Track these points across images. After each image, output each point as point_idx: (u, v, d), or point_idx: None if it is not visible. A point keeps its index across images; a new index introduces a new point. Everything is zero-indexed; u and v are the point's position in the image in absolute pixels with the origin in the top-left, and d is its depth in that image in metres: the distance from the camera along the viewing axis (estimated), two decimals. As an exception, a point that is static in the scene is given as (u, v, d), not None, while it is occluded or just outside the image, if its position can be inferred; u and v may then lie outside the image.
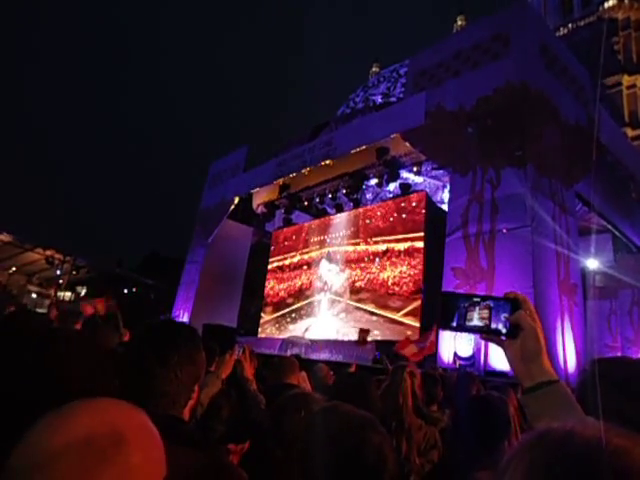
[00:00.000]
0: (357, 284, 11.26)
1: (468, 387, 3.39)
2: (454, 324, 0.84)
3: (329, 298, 11.87)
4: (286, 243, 14.01)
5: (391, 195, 12.43)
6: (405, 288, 10.09)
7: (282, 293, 13.39)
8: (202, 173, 15.43)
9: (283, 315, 12.94)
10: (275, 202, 12.92)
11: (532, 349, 0.79)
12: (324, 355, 9.53)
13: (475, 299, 0.85)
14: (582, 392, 0.95)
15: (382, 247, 11.02)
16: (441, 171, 10.20)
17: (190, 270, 13.65)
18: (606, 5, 30.06)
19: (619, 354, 9.84)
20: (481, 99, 7.75)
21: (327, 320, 11.63)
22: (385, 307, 10.29)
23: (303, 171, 11.03)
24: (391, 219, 11.09)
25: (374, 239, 11.30)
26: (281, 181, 11.96)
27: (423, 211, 10.45)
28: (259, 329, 13.49)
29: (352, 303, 11.14)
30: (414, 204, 10.74)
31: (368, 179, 11.17)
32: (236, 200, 12.95)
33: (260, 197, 13.13)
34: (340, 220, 12.52)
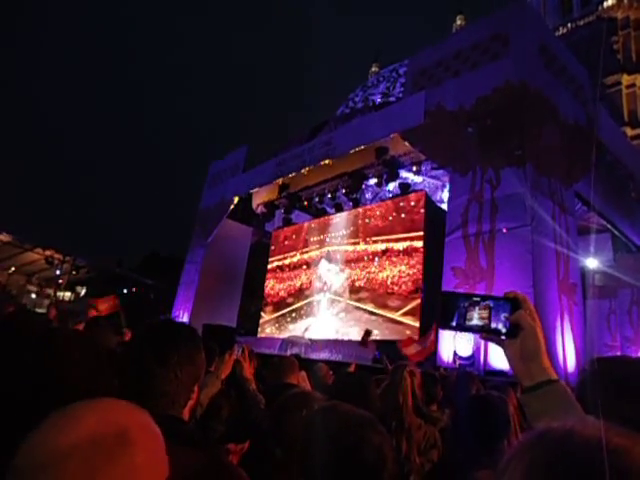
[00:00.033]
0: (357, 284, 11.27)
1: (468, 386, 3.39)
2: (454, 323, 0.84)
3: (329, 298, 11.87)
4: (286, 243, 14.01)
5: (390, 195, 12.43)
6: (404, 287, 10.10)
7: (282, 293, 13.39)
8: (202, 173, 15.44)
9: (283, 315, 12.95)
10: (275, 202, 12.92)
11: (532, 348, 0.79)
12: (324, 355, 9.53)
13: (475, 299, 0.85)
14: (582, 391, 0.95)
15: (381, 247, 11.02)
16: (441, 171, 10.19)
17: (190, 270, 13.64)
18: (605, 4, 30.08)
19: (618, 353, 9.84)
20: (480, 99, 7.75)
21: (327, 320, 11.64)
22: (384, 307, 10.30)
23: (302, 171, 11.02)
24: (390, 218, 11.09)
25: (373, 238, 11.31)
26: (280, 181, 11.96)
27: (422, 210, 10.45)
28: (259, 329, 13.49)
29: (352, 303, 11.14)
30: (413, 204, 10.74)
31: (367, 179, 11.16)
32: (236, 200, 12.94)
33: (260, 197, 13.13)
34: (339, 220, 12.52)
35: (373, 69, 38.81)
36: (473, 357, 6.70)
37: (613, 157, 9.34)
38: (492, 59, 7.99)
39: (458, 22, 38.64)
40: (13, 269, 19.17)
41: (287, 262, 13.69)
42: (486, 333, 0.84)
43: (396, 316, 9.95)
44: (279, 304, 13.26)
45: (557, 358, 6.42)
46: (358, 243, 11.66)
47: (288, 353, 8.91)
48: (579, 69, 9.25)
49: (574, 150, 7.73)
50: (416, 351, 6.06)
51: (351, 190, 11.28)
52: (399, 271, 10.34)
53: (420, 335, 8.34)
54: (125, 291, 23.27)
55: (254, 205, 13.38)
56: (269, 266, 14.24)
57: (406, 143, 9.08)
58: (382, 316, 10.24)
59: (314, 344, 10.44)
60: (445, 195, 10.80)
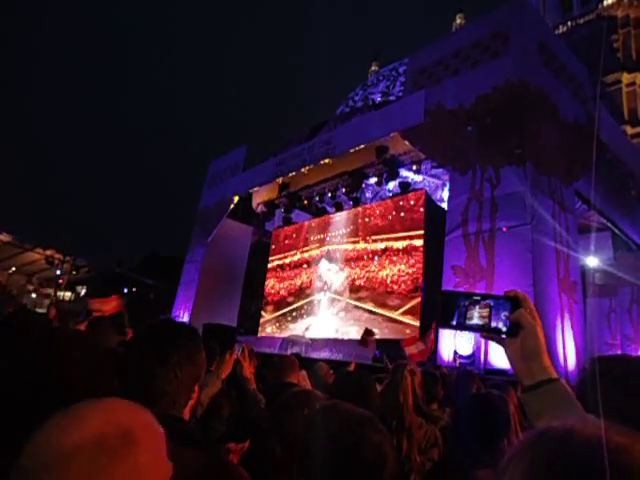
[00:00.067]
0: (357, 282, 11.27)
1: (468, 385, 3.40)
2: (454, 322, 0.84)
3: (329, 297, 11.87)
4: (286, 242, 14.01)
5: (391, 194, 12.43)
6: (403, 286, 10.10)
7: (283, 292, 13.40)
8: (201, 173, 15.44)
9: (284, 314, 12.95)
10: (275, 201, 12.91)
11: (532, 347, 0.79)
12: (324, 354, 9.53)
13: (475, 297, 0.85)
14: (582, 390, 0.95)
15: (381, 245, 11.03)
16: (441, 170, 10.19)
17: (190, 270, 13.64)
18: (605, 3, 30.05)
19: (619, 352, 9.86)
20: (480, 97, 7.74)
21: (327, 319, 11.64)
22: (384, 306, 10.30)
23: (302, 170, 11.02)
24: (390, 217, 11.09)
25: (373, 237, 11.31)
26: (280, 180, 11.96)
27: (421, 209, 10.45)
28: (259, 328, 13.49)
29: (352, 302, 11.15)
30: (413, 202, 10.74)
31: (367, 178, 11.16)
32: (235, 199, 12.94)
33: (260, 196, 13.12)
34: (340, 219, 12.52)
35: (373, 68, 38.78)
36: (473, 356, 6.71)
37: (613, 155, 9.33)
38: (492, 58, 7.99)
39: (458, 21, 38.61)
40: (13, 269, 19.18)
41: (287, 261, 13.69)
42: (486, 332, 0.84)
43: (396, 315, 9.96)
44: (279, 303, 13.27)
45: (557, 357, 6.42)
46: (358, 242, 11.67)
47: (288, 352, 8.91)
48: (579, 67, 9.24)
49: (574, 149, 7.72)
50: (418, 351, 6.06)
51: (351, 189, 11.27)
52: (399, 270, 10.34)
53: (420, 334, 8.35)
54: (125, 291, 23.27)
55: (254, 204, 13.37)
56: (269, 265, 14.24)
57: (406, 142, 9.07)
58: (382, 315, 10.24)
59: (314, 343, 10.45)
60: (445, 194, 10.80)
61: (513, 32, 7.92)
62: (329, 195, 11.91)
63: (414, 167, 10.17)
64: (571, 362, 6.67)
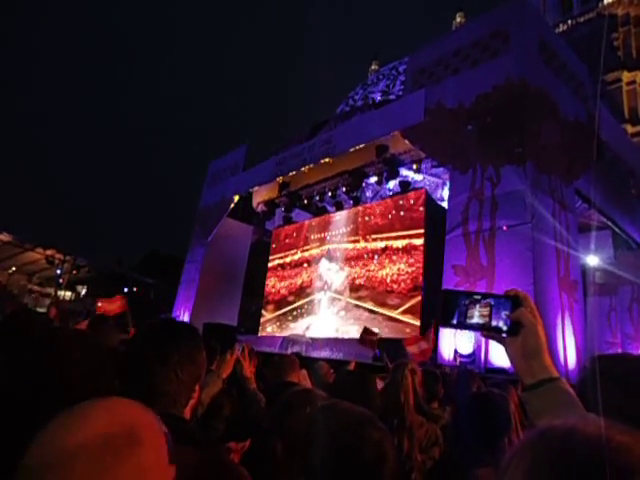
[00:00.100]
0: (357, 281, 11.27)
1: (469, 384, 3.40)
2: (455, 321, 0.84)
3: (329, 296, 11.88)
4: (287, 241, 14.01)
5: (391, 193, 12.43)
6: (403, 285, 10.10)
7: (283, 291, 13.40)
8: (202, 172, 15.44)
9: (284, 313, 12.95)
10: (275, 200, 12.91)
11: (533, 346, 0.79)
12: (324, 353, 9.54)
13: (476, 297, 0.85)
14: (583, 389, 0.95)
15: (381, 244, 11.03)
16: (441, 169, 10.19)
17: (190, 269, 13.65)
18: (605, 1, 30.02)
19: (619, 350, 9.86)
20: (480, 96, 7.74)
21: (327, 318, 11.65)
22: (383, 305, 10.30)
23: (303, 169, 11.02)
24: (389, 216, 11.09)
25: (373, 236, 11.31)
26: (281, 179, 11.96)
27: (421, 208, 10.45)
28: (260, 327, 13.50)
29: (352, 301, 11.15)
30: (412, 201, 10.74)
31: (368, 177, 11.16)
32: (236, 199, 12.94)
33: (260, 195, 13.12)
34: (340, 218, 12.52)
35: (373, 67, 38.71)
36: (474, 355, 6.71)
37: (613, 154, 9.33)
38: (492, 56, 7.98)
39: (458, 19, 38.55)
40: (14, 269, 19.21)
41: (288, 260, 13.70)
42: (487, 331, 0.84)
43: (395, 314, 9.96)
44: (280, 302, 13.27)
45: (558, 355, 6.42)
46: (358, 241, 11.67)
47: (289, 351, 8.91)
48: (579, 66, 9.23)
49: (574, 147, 7.72)
50: (420, 350, 6.05)
51: (351, 188, 11.27)
52: (398, 269, 10.35)
53: (421, 333, 8.35)
54: (126, 290, 23.29)
55: (254, 204, 13.37)
56: (270, 264, 14.24)
57: (406, 141, 9.07)
58: (382, 314, 10.25)
59: (315, 342, 10.45)
60: (445, 193, 10.80)
61: (513, 31, 7.91)
62: (329, 194, 11.91)
63: (414, 166, 10.16)
64: (571, 361, 6.67)
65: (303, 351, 9.31)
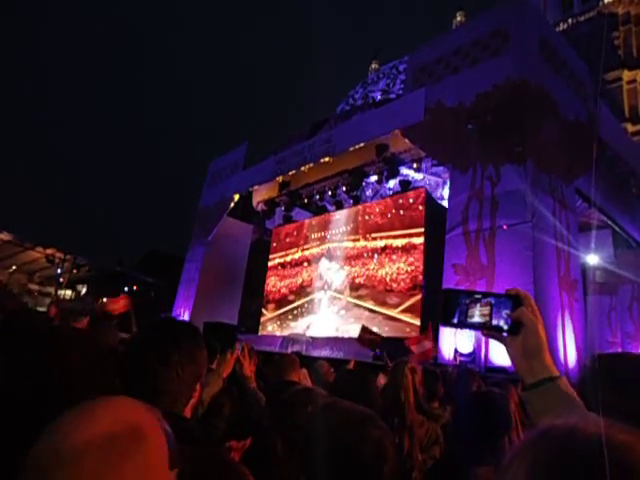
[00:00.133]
0: (357, 280, 11.28)
1: (469, 383, 3.40)
2: (455, 321, 0.84)
3: (329, 295, 11.88)
4: (287, 239, 14.01)
5: (391, 192, 12.43)
6: (402, 284, 10.11)
7: (284, 290, 13.40)
8: (202, 171, 15.44)
9: (285, 312, 12.96)
10: (275, 199, 12.91)
11: (534, 345, 0.79)
12: (325, 352, 9.54)
13: (476, 296, 0.85)
14: (583, 388, 0.95)
15: (380, 243, 11.03)
16: (441, 168, 10.19)
17: (190, 268, 13.65)
18: (606, 0, 29.96)
19: (619, 349, 9.86)
20: (480, 95, 7.73)
21: (327, 317, 11.65)
22: (383, 304, 10.31)
23: (303, 168, 11.01)
24: (389, 215, 11.09)
25: (373, 235, 11.31)
26: (281, 178, 11.95)
27: (420, 207, 10.45)
28: (260, 327, 13.50)
29: (352, 300, 11.15)
30: (411, 201, 10.74)
31: (368, 176, 11.15)
32: (236, 198, 12.94)
33: (260, 194, 13.12)
34: (340, 217, 12.52)
35: (373, 66, 38.65)
36: (474, 354, 6.71)
37: (614, 153, 9.32)
38: (492, 55, 7.97)
39: (458, 18, 38.45)
40: (14, 268, 19.22)
41: (288, 259, 13.70)
42: (488, 330, 0.84)
43: (394, 313, 9.96)
44: (280, 301, 13.28)
45: (558, 355, 6.43)
46: (358, 240, 11.67)
47: (289, 351, 8.92)
48: (580, 65, 9.22)
49: (575, 146, 7.71)
50: (423, 350, 6.05)
51: (351, 187, 11.27)
52: (398, 268, 10.35)
53: (420, 332, 8.35)
54: (126, 289, 23.30)
55: (254, 203, 13.37)
56: (270, 263, 14.25)
57: (406, 140, 9.06)
58: (382, 314, 10.25)
59: (315, 341, 10.46)
60: (445, 192, 10.79)
61: (513, 30, 7.90)
62: (329, 193, 11.91)
63: (414, 165, 10.16)
64: (571, 360, 6.68)
65: (303, 350, 9.31)
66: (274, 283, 13.84)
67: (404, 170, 10.78)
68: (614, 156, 9.40)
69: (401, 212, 10.81)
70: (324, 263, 12.42)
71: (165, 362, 1.05)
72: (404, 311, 9.80)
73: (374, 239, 11.24)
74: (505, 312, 0.82)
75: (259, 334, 13.05)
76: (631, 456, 0.41)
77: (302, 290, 12.76)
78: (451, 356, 6.90)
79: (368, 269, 11.08)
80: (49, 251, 18.00)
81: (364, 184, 12.13)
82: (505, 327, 0.82)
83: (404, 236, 10.50)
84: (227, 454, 1.56)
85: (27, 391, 0.91)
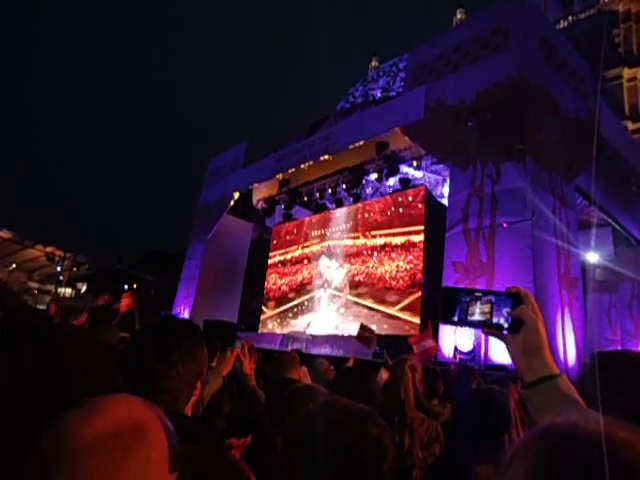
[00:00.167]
0: (356, 278, 11.28)
1: (469, 381, 3.40)
2: (456, 318, 0.84)
3: (329, 293, 11.89)
4: (287, 237, 14.00)
5: (391, 190, 12.41)
6: (402, 282, 10.11)
7: (284, 287, 13.40)
8: (201, 169, 15.42)
9: (285, 310, 12.96)
10: (275, 197, 12.89)
11: (534, 343, 0.79)
12: (325, 350, 9.54)
13: (477, 294, 0.85)
14: (583, 386, 0.95)
15: (380, 241, 11.02)
16: (441, 165, 10.17)
17: (190, 266, 13.65)
18: (606, -3, 29.88)
19: (619, 347, 9.87)
20: (481, 93, 7.72)
21: (327, 315, 11.66)
22: (382, 302, 10.30)
23: (302, 166, 11.00)
24: (389, 213, 11.08)
25: (372, 233, 11.31)
26: (281, 176, 11.93)
27: (420, 205, 10.44)
28: (260, 324, 13.51)
29: (351, 298, 11.16)
30: (411, 198, 10.72)
31: (368, 174, 11.14)
32: (236, 195, 12.93)
33: (260, 192, 13.11)
34: (340, 215, 12.51)
35: (373, 64, 38.56)
36: (474, 352, 6.72)
37: (614, 151, 9.31)
38: (492, 53, 7.96)
39: (458, 16, 38.34)
40: (14, 266, 19.20)
41: (288, 257, 13.70)
42: (488, 328, 0.84)
43: (393, 311, 9.96)
44: (280, 299, 13.28)
45: (558, 352, 6.43)
46: (358, 237, 11.66)
47: (289, 348, 8.92)
48: (580, 62, 9.20)
49: (575, 144, 7.70)
50: (425, 349, 6.05)
51: (351, 185, 11.25)
52: (397, 266, 10.34)
53: (420, 331, 8.35)
54: (126, 287, 23.31)
55: (254, 201, 13.36)
56: (270, 261, 14.24)
57: (406, 138, 9.05)
58: (381, 312, 10.25)
59: (315, 339, 10.46)
60: (445, 190, 10.78)
61: (513, 27, 7.88)
62: (329, 191, 11.90)
63: (414, 163, 10.15)
64: (571, 358, 6.68)
65: (303, 348, 9.32)
66: (274, 281, 13.83)
67: (404, 168, 10.77)
68: (614, 154, 9.39)
69: (401, 210, 10.80)
70: (324, 261, 12.42)
71: (166, 360, 1.05)
72: (403, 309, 9.80)
73: (374, 237, 11.23)
74: (505, 310, 0.82)
75: (259, 332, 13.06)
76: (632, 454, 0.41)
77: (302, 288, 12.76)
78: (451, 354, 6.90)
79: (368, 267, 11.08)
80: (49, 249, 17.99)
81: (364, 182, 12.11)
82: (505, 325, 0.82)
83: (404, 234, 10.49)
84: (227, 451, 1.57)
85: (27, 388, 0.91)
